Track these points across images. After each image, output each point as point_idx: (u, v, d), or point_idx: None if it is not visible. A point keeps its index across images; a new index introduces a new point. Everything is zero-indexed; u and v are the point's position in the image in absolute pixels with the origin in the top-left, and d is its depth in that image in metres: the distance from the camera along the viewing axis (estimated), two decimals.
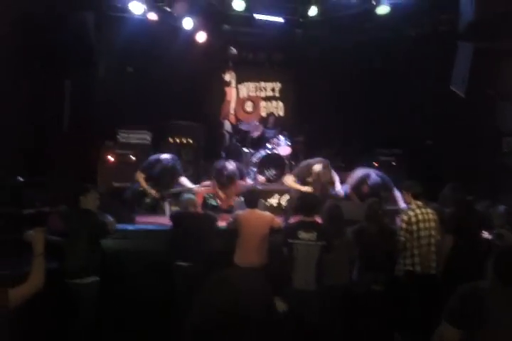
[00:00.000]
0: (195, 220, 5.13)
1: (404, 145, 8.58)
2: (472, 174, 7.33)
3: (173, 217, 5.38)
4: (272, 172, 8.69)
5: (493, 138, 7.71)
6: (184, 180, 7.02)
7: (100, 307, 4.74)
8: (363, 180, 6.80)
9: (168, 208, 6.96)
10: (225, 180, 6.99)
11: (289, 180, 6.81)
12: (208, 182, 7.30)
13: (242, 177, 7.26)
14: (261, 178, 7.78)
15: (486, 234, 5.24)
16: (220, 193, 7.11)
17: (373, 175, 6.79)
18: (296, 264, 4.53)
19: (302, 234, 4.52)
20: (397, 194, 6.64)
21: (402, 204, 6.32)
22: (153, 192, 6.82)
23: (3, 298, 2.59)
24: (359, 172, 6.93)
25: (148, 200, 6.99)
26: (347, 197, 6.94)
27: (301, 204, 4.89)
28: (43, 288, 2.85)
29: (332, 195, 6.73)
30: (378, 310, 4.95)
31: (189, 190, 6.71)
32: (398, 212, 5.98)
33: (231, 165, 7.11)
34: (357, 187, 6.83)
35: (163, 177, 6.83)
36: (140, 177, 6.83)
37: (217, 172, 7.10)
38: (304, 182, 6.66)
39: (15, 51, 6.60)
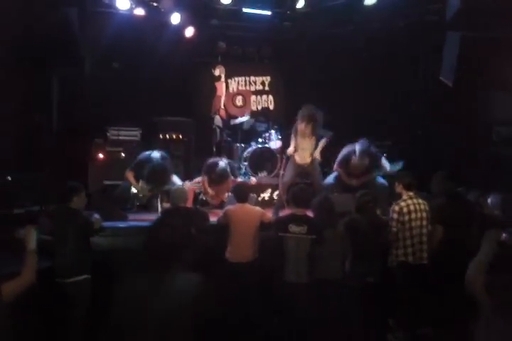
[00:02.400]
0: (185, 216, 5.10)
1: (395, 136, 8.56)
2: (463, 164, 7.35)
3: (163, 213, 5.35)
4: (264, 174, 8.69)
5: (483, 127, 7.72)
6: (174, 178, 6.99)
7: (92, 305, 4.73)
8: (350, 154, 6.83)
9: (159, 205, 6.93)
10: (216, 177, 6.97)
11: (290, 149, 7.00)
12: (198, 179, 7.28)
13: (234, 175, 7.23)
14: (253, 180, 7.77)
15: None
16: (210, 190, 7.08)
17: (359, 145, 6.80)
18: (287, 257, 4.54)
19: (293, 228, 4.53)
20: (384, 161, 6.87)
21: (387, 169, 6.69)
22: (144, 190, 6.78)
23: None
24: (345, 149, 6.97)
25: (140, 197, 6.96)
26: (337, 181, 6.98)
27: (292, 197, 4.89)
28: (35, 284, 2.87)
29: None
30: (372, 301, 4.97)
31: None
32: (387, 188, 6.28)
33: (223, 163, 7.08)
34: (345, 163, 6.86)
35: (153, 176, 6.78)
36: (130, 175, 6.79)
37: (208, 168, 7.08)
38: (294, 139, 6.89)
39: (0, 49, 6.54)
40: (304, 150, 6.91)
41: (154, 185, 6.85)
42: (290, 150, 6.96)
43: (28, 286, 2.80)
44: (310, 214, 4.94)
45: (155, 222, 4.96)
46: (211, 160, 7.26)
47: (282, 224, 4.63)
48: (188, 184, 6.99)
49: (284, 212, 5.11)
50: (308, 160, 6.92)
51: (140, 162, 6.86)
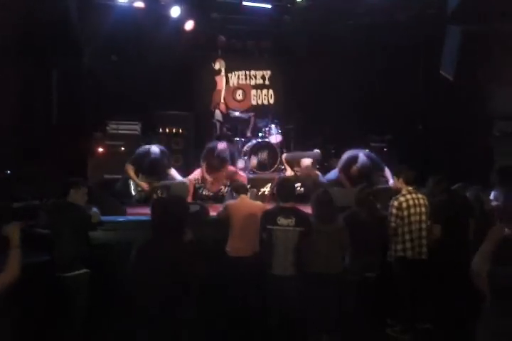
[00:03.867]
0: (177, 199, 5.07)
1: (396, 131, 8.56)
2: (463, 159, 7.34)
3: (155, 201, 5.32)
4: (264, 156, 8.67)
5: (484, 122, 7.70)
6: (173, 172, 6.98)
7: (91, 298, 4.73)
8: (351, 161, 6.83)
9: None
10: (216, 161, 6.94)
11: (287, 158, 7.48)
12: (197, 171, 7.26)
13: (233, 159, 7.21)
14: (253, 162, 7.69)
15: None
16: (208, 177, 7.06)
17: (361, 155, 6.80)
18: (275, 250, 4.54)
19: (281, 220, 4.53)
20: (388, 173, 6.72)
21: (392, 182, 6.43)
22: (143, 184, 6.78)
23: None
24: (347, 154, 6.97)
25: (139, 192, 6.95)
26: (337, 180, 6.98)
27: (278, 190, 4.89)
28: (30, 279, 2.88)
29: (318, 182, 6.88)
30: (371, 296, 4.97)
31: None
32: (389, 190, 6.10)
33: (222, 146, 7.09)
34: (346, 169, 6.87)
35: (153, 170, 6.78)
36: (129, 169, 6.79)
37: (207, 152, 7.06)
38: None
39: None
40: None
41: (153, 178, 6.84)
42: (289, 173, 7.18)
43: (12, 283, 2.83)
44: (300, 207, 4.95)
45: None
46: (210, 145, 7.25)
47: (270, 216, 4.62)
48: (185, 180, 6.97)
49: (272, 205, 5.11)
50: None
51: (139, 156, 6.86)
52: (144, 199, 7.07)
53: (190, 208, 4.93)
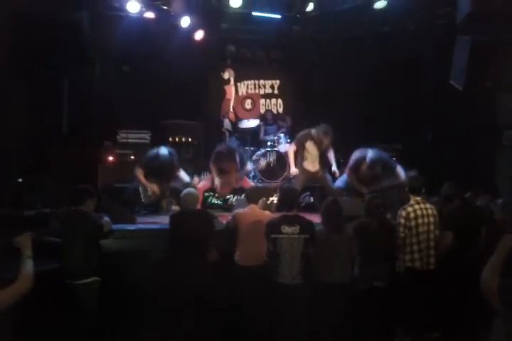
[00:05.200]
0: (195, 219, 5.10)
1: (405, 140, 8.55)
2: (473, 168, 7.31)
3: (172, 216, 5.35)
4: (273, 157, 8.71)
5: (493, 131, 7.68)
6: (182, 174, 6.98)
7: (101, 307, 4.75)
8: (360, 160, 6.80)
9: (165, 206, 6.95)
10: (225, 163, 6.91)
11: (290, 149, 7.26)
12: (206, 178, 7.27)
13: (242, 162, 7.18)
14: (262, 162, 7.64)
15: None
16: (218, 181, 7.05)
17: (370, 154, 6.76)
18: (281, 259, 4.54)
19: (286, 229, 4.54)
20: (399, 169, 6.71)
21: (403, 178, 6.43)
22: (154, 187, 6.79)
23: None
24: (356, 154, 6.94)
25: (148, 196, 6.94)
26: (347, 186, 6.97)
27: (281, 200, 4.90)
28: (40, 287, 2.88)
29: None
30: (380, 305, 4.95)
31: (188, 184, 6.71)
32: (400, 186, 6.17)
33: (232, 148, 7.15)
34: (355, 169, 6.84)
35: (162, 172, 6.79)
36: (139, 173, 6.80)
37: (216, 154, 7.07)
38: (302, 148, 7.04)
39: (12, 52, 6.60)
40: (314, 158, 7.10)
41: (163, 179, 6.84)
42: (293, 171, 7.07)
43: (24, 293, 2.81)
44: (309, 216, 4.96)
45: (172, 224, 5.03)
46: (218, 146, 7.27)
47: (274, 225, 4.62)
48: (196, 180, 6.94)
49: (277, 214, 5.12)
50: (318, 167, 7.09)
51: (148, 159, 6.87)
52: (153, 203, 7.04)
53: (216, 226, 4.98)
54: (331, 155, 7.24)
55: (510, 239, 2.57)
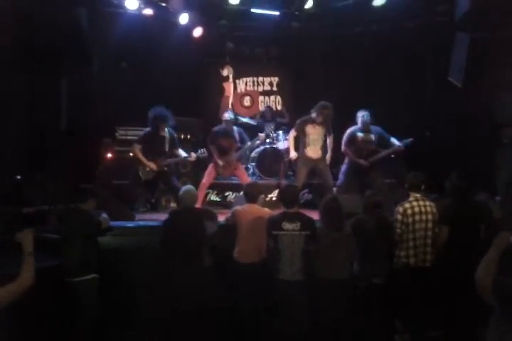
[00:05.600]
0: (194, 216, 5.10)
1: (403, 137, 8.55)
2: (471, 165, 7.30)
3: (172, 213, 5.34)
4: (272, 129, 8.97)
5: (492, 128, 7.67)
6: (181, 152, 6.97)
7: (101, 304, 4.75)
8: (354, 132, 6.87)
9: (164, 204, 6.94)
10: (222, 137, 6.98)
11: (291, 134, 7.23)
12: (206, 172, 7.25)
13: (241, 137, 7.19)
14: (261, 136, 7.62)
15: None
16: (220, 161, 7.06)
17: (360, 121, 6.93)
18: (282, 255, 4.55)
19: (286, 225, 4.55)
20: (393, 139, 6.91)
21: (397, 144, 6.81)
22: (151, 165, 6.75)
23: None
24: (348, 129, 7.03)
25: (146, 172, 6.85)
26: (345, 173, 7.02)
27: (282, 197, 4.91)
28: (38, 284, 2.88)
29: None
30: (379, 302, 4.97)
31: (185, 161, 6.95)
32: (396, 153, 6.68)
33: (230, 125, 7.21)
34: (350, 142, 6.90)
35: (159, 147, 6.79)
36: (136, 148, 6.78)
37: (213, 133, 7.13)
38: (303, 133, 7.00)
39: (10, 49, 6.58)
40: (316, 143, 7.00)
41: (160, 157, 6.80)
42: (293, 155, 7.05)
43: (25, 290, 2.80)
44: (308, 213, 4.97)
45: (167, 222, 5.01)
46: (215, 127, 7.28)
47: (275, 222, 4.64)
48: (193, 155, 6.90)
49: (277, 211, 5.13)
50: (320, 153, 7.01)
51: (146, 134, 6.85)
52: (152, 180, 6.95)
53: (208, 229, 4.97)
54: (330, 141, 7.17)
55: (506, 236, 2.58)
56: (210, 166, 7.19)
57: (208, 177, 7.14)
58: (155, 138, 6.80)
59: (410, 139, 6.99)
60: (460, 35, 6.90)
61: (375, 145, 7.01)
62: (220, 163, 7.07)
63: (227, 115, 7.31)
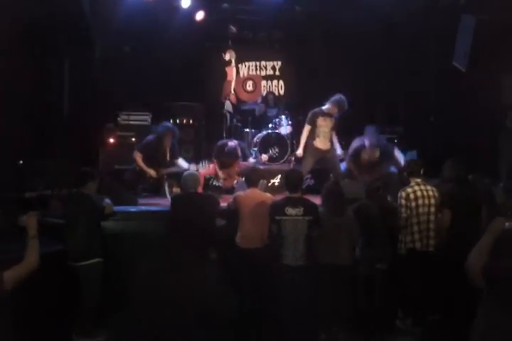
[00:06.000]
0: (196, 201, 5.10)
1: (407, 122, 8.54)
2: (475, 150, 7.27)
3: (174, 198, 5.35)
4: (275, 150, 8.67)
5: (497, 113, 7.61)
6: (180, 161, 7.00)
7: (104, 288, 4.79)
8: (360, 148, 6.78)
9: (167, 190, 6.95)
10: (226, 157, 6.98)
11: (305, 129, 7.05)
12: (211, 166, 7.29)
13: (244, 156, 7.26)
14: (264, 157, 7.69)
15: None
16: (221, 174, 7.11)
17: (368, 141, 6.75)
18: (284, 240, 4.56)
19: (289, 210, 4.55)
20: (399, 155, 6.73)
21: (401, 161, 6.54)
22: (151, 172, 6.80)
23: None
24: (355, 143, 6.93)
25: (147, 179, 6.95)
26: (347, 170, 6.97)
27: (286, 181, 4.91)
28: (42, 268, 2.89)
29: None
30: (382, 287, 4.98)
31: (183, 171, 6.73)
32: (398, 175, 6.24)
33: (233, 143, 7.13)
34: (355, 157, 6.83)
35: (161, 156, 6.82)
36: (138, 156, 6.81)
37: (218, 150, 7.11)
38: (314, 126, 6.90)
39: (12, 34, 6.53)
40: (325, 135, 6.98)
41: (162, 164, 6.86)
42: (300, 152, 7.03)
43: (30, 273, 2.82)
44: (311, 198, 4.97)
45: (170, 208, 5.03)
46: (220, 142, 7.30)
47: (278, 207, 4.64)
48: (194, 168, 6.97)
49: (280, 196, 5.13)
50: (329, 145, 6.99)
51: (148, 142, 6.88)
52: (154, 189, 7.07)
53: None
54: (335, 139, 7.12)
55: (501, 222, 2.56)
56: (212, 167, 7.24)
57: (206, 170, 7.20)
58: (157, 148, 6.85)
59: (413, 152, 6.92)
60: (465, 19, 6.80)
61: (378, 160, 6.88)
62: (221, 175, 7.13)
63: (230, 104, 7.31)
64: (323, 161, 7.21)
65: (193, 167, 7.01)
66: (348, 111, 6.97)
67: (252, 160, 7.92)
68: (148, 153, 6.83)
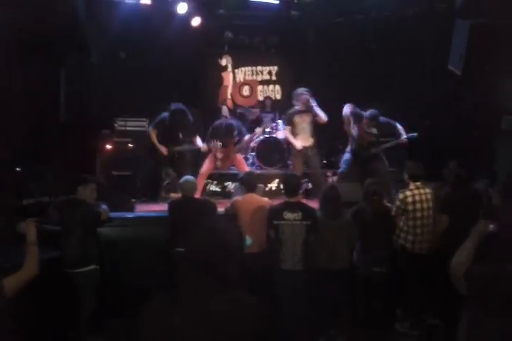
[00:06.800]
0: (194, 206, 5.10)
1: (403, 126, 8.54)
2: (471, 153, 7.29)
3: (172, 203, 5.35)
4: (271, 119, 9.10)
5: (492, 116, 7.64)
6: (197, 139, 7.11)
7: (101, 295, 4.77)
8: (361, 114, 6.95)
9: (163, 194, 6.97)
10: (223, 136, 7.06)
11: (287, 130, 7.38)
12: (205, 163, 7.27)
13: (240, 133, 7.24)
14: (258, 130, 7.63)
15: None
16: (219, 153, 7.11)
17: (368, 113, 6.94)
18: (283, 245, 4.56)
19: (288, 215, 4.55)
20: (399, 126, 6.98)
21: (403, 135, 6.83)
22: (162, 149, 6.96)
23: None
24: (351, 108, 7.04)
25: (166, 180, 7.00)
26: (347, 162, 7.08)
27: (284, 185, 4.92)
28: (38, 275, 2.89)
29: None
30: (380, 291, 4.98)
31: (195, 150, 7.05)
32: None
33: (228, 121, 7.36)
34: (358, 118, 6.93)
35: (173, 135, 7.00)
36: (152, 133, 7.06)
37: (214, 129, 7.21)
38: (292, 125, 7.17)
39: (7, 41, 6.53)
40: (304, 131, 7.17)
41: (174, 140, 7.02)
42: (299, 145, 7.05)
43: (30, 280, 2.81)
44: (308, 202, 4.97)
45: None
46: (216, 122, 7.40)
47: (276, 212, 4.64)
48: (205, 147, 7.08)
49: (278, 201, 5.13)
50: (310, 140, 7.14)
51: (162, 120, 7.06)
52: (172, 182, 7.07)
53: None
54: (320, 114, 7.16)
55: (485, 225, 2.53)
56: (209, 156, 7.21)
57: (206, 167, 7.16)
58: (169, 126, 7.01)
59: (415, 134, 6.97)
60: (460, 23, 6.84)
61: (376, 138, 6.94)
62: (219, 155, 7.11)
63: (226, 110, 7.39)
64: (306, 160, 7.30)
65: (204, 147, 7.06)
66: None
67: (247, 137, 7.73)
68: (160, 131, 7.03)
